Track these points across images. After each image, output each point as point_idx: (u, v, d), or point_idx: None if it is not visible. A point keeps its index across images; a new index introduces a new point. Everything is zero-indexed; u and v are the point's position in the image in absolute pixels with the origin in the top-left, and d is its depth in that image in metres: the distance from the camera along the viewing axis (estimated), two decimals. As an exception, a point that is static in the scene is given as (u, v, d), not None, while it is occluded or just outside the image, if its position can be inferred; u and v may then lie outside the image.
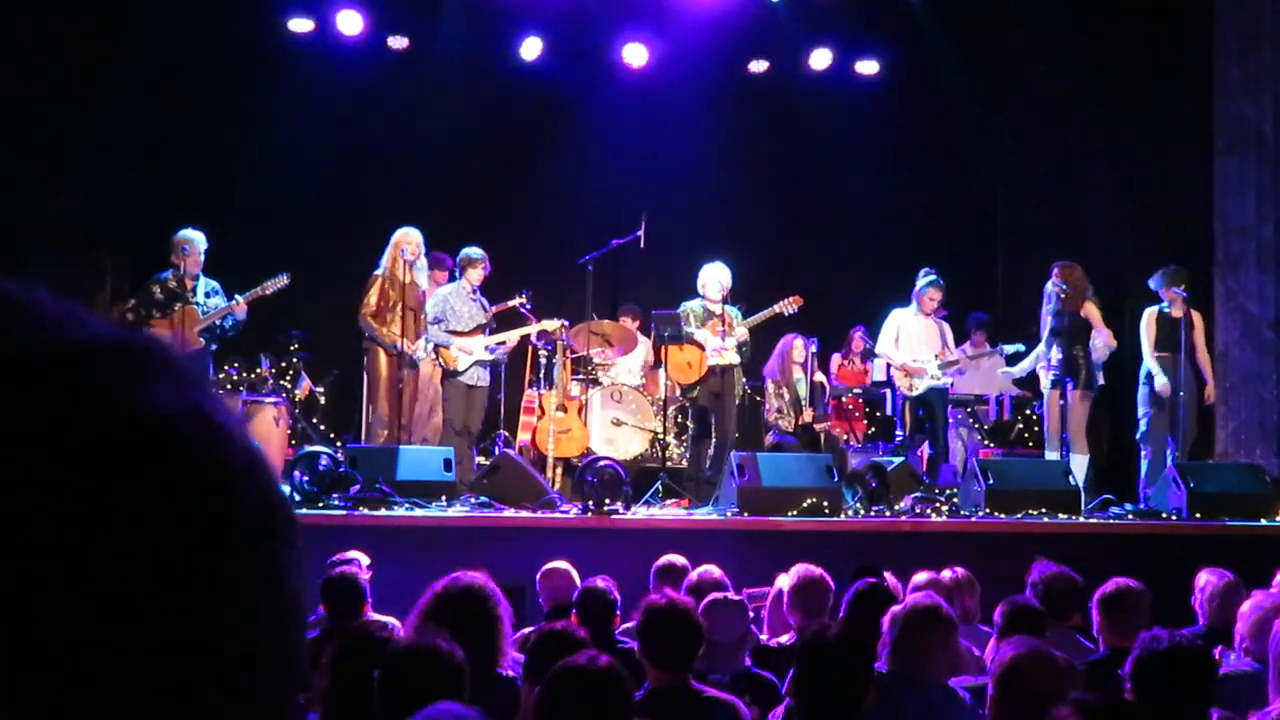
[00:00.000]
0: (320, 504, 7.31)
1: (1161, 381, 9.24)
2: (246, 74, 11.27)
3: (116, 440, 0.51)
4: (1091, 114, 11.62)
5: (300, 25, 11.31)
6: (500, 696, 3.62)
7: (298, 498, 7.39)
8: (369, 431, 9.14)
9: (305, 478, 7.47)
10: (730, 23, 11.81)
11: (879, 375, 10.81)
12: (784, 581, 5.29)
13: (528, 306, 9.27)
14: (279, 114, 11.08)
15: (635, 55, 11.87)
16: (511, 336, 9.20)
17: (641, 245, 9.80)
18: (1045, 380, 9.29)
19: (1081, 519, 8.05)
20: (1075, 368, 9.12)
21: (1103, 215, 11.26)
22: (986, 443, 10.74)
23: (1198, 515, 8.01)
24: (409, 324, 8.85)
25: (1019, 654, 3.36)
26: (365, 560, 5.78)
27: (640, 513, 7.85)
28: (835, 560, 5.68)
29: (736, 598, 4.95)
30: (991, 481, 8.11)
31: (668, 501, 8.42)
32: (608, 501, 7.63)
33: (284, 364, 9.77)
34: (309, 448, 8.08)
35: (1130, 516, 8.35)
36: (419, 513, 7.39)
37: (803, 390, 10.28)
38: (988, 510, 7.97)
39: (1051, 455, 9.25)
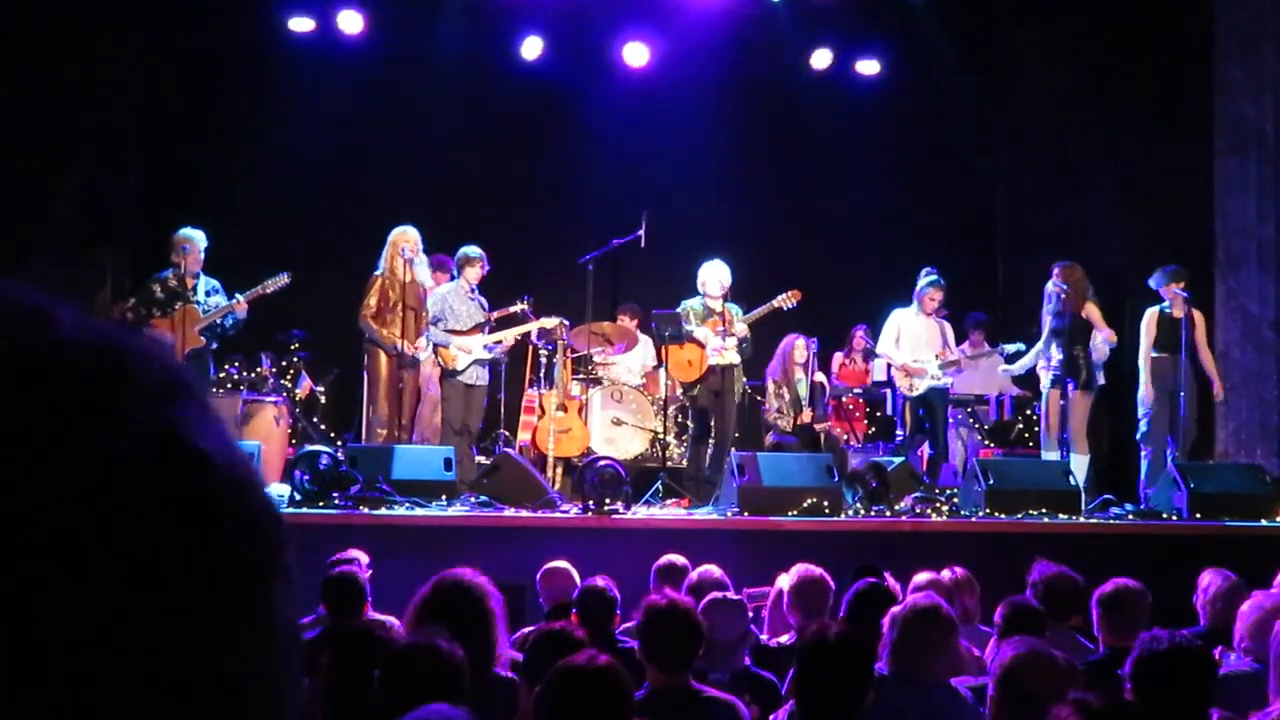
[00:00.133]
0: (320, 503, 7.31)
1: (1145, 388, 9.27)
2: (247, 73, 11.27)
3: (104, 443, 0.50)
4: (1092, 114, 11.61)
5: (301, 25, 11.31)
6: (496, 697, 3.61)
7: (298, 497, 7.39)
8: (369, 431, 9.14)
9: (305, 477, 7.47)
10: (731, 22, 11.81)
11: (880, 375, 10.81)
12: (784, 581, 5.29)
13: (530, 312, 9.26)
14: (279, 113, 11.08)
15: (636, 55, 11.86)
16: (508, 335, 9.20)
17: (642, 245, 9.80)
18: (1045, 380, 9.29)
19: (1082, 519, 8.05)
20: (1075, 368, 9.12)
21: (1103, 215, 11.26)
22: (987, 443, 10.74)
23: (1198, 515, 8.01)
24: (409, 323, 8.84)
25: (1019, 654, 3.36)
26: (365, 559, 5.79)
27: (640, 512, 7.85)
28: (835, 560, 5.69)
29: (736, 597, 4.95)
30: (992, 481, 8.11)
31: (668, 501, 8.42)
32: (608, 501, 7.63)
33: (285, 363, 9.77)
34: (309, 447, 8.08)
35: (1130, 517, 8.35)
36: (419, 512, 7.39)
37: (803, 390, 10.28)
38: (988, 510, 7.97)
39: (1048, 455, 9.24)
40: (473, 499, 7.75)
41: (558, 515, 7.62)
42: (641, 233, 9.75)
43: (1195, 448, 9.45)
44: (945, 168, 12.40)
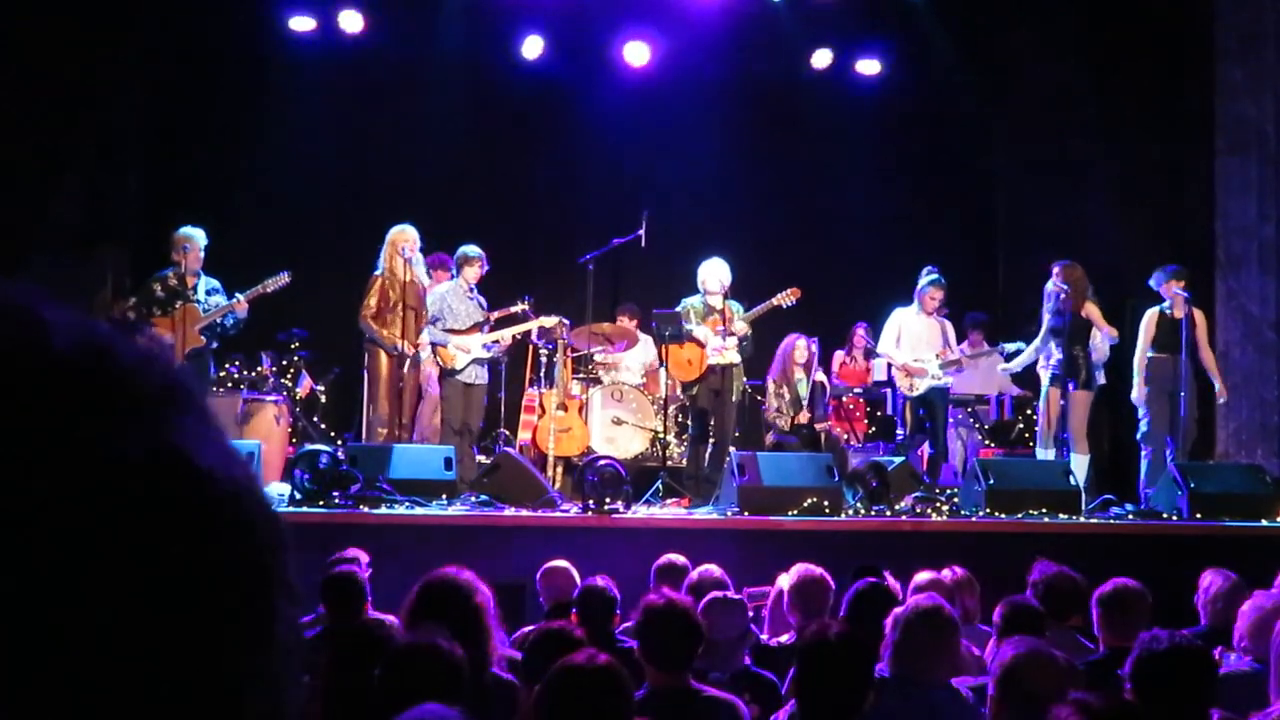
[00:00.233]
0: (320, 502, 7.31)
1: (1138, 388, 9.27)
2: (247, 72, 11.27)
3: (81, 486, 0.49)
4: (1092, 114, 11.61)
5: (301, 24, 11.30)
6: (492, 696, 3.61)
7: (298, 496, 7.39)
8: (369, 430, 9.14)
9: (306, 476, 7.46)
10: (732, 22, 11.81)
11: (880, 375, 10.81)
12: (784, 581, 5.29)
13: (530, 312, 9.26)
14: (280, 112, 11.08)
15: (636, 54, 11.86)
16: (506, 335, 9.20)
17: (642, 245, 9.81)
18: (1045, 379, 9.29)
19: (1082, 519, 8.05)
20: (1075, 367, 9.12)
21: (1103, 215, 11.26)
22: (987, 442, 10.74)
23: (1198, 515, 8.01)
24: (410, 323, 8.84)
25: (1019, 654, 3.36)
26: (365, 559, 5.78)
27: (640, 512, 7.85)
28: (835, 560, 5.69)
29: (736, 597, 4.95)
30: (992, 481, 8.11)
31: (668, 501, 8.42)
32: (608, 500, 7.62)
33: (285, 362, 9.77)
34: (310, 446, 8.08)
35: (1131, 517, 8.35)
36: (419, 511, 7.39)
37: (803, 390, 10.28)
38: (988, 510, 7.97)
39: (1043, 453, 9.23)
40: (473, 498, 7.75)
41: (558, 514, 7.62)
42: (642, 232, 9.75)
43: (1195, 448, 9.44)
44: (945, 167, 12.40)
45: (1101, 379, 9.53)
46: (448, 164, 11.43)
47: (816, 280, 10.45)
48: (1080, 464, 8.95)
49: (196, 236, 8.72)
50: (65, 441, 0.49)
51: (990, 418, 11.11)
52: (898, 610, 3.97)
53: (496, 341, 9.14)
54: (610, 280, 10.61)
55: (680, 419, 9.96)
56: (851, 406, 10.71)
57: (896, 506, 8.01)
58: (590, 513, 7.54)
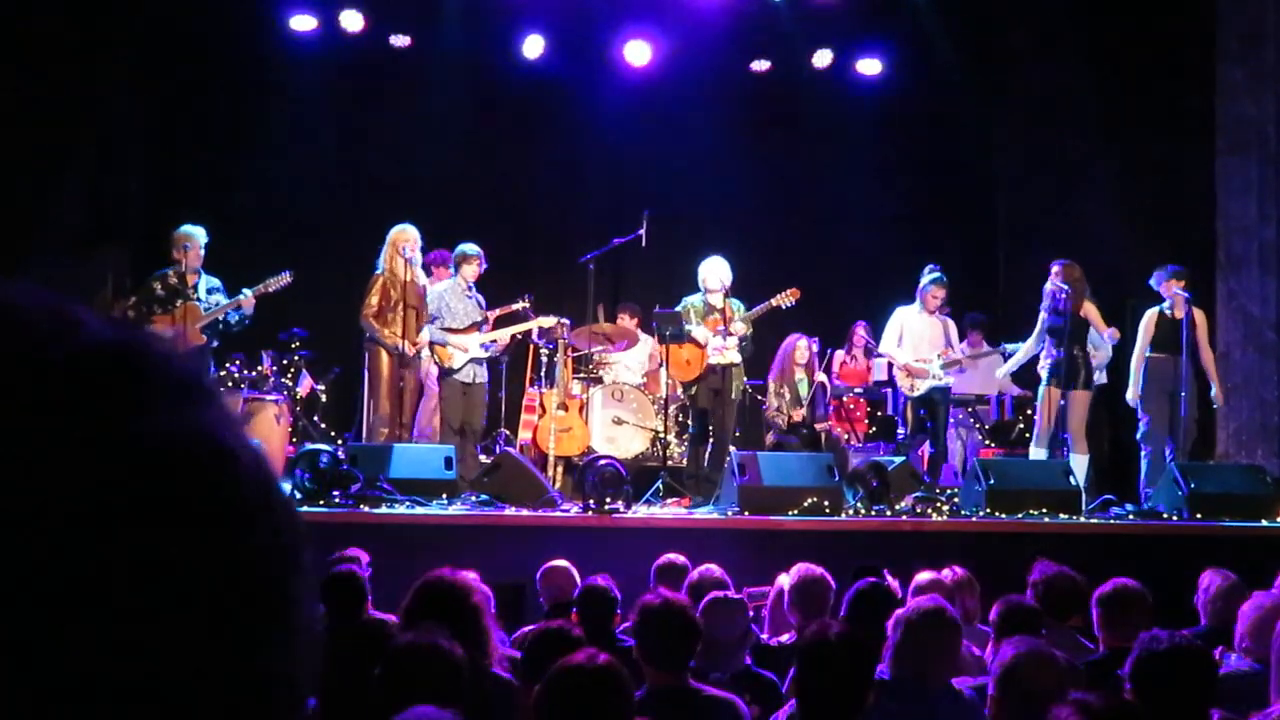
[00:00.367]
0: (321, 501, 7.31)
1: (1134, 388, 9.27)
2: (247, 72, 11.27)
3: (123, 435, 0.51)
4: (1093, 113, 11.61)
5: (302, 23, 11.30)
6: (491, 696, 3.61)
7: (298, 495, 7.39)
8: (370, 430, 9.14)
9: (306, 475, 7.46)
10: (733, 21, 11.81)
11: (881, 374, 10.81)
12: (785, 580, 5.29)
13: (529, 312, 9.26)
14: (281, 112, 11.09)
15: (637, 54, 11.86)
16: (504, 334, 9.20)
17: (643, 244, 9.81)
18: (1042, 379, 9.27)
19: (1082, 519, 8.04)
20: (1074, 367, 9.11)
21: (1104, 215, 11.25)
22: (987, 442, 10.74)
23: (1198, 516, 8.00)
24: (410, 323, 8.84)
25: (1019, 653, 3.36)
26: (365, 558, 5.78)
27: (641, 511, 7.85)
28: (835, 560, 5.69)
29: (737, 596, 4.95)
30: (992, 481, 8.11)
31: (668, 500, 8.42)
32: (608, 500, 7.63)
33: (285, 361, 9.77)
34: (310, 445, 8.08)
35: (1131, 517, 8.34)
36: (420, 511, 7.39)
37: (804, 390, 10.28)
38: (988, 510, 7.97)
39: (1038, 453, 9.21)
40: (473, 498, 7.75)
41: (558, 514, 7.62)
42: (642, 232, 9.75)
43: (1196, 448, 9.44)
44: (945, 167, 12.40)
45: (1103, 378, 9.53)
46: (448, 164, 11.43)
47: (816, 280, 10.46)
48: (1079, 464, 8.95)
49: (197, 235, 8.72)
50: (100, 428, 0.50)
51: (990, 418, 11.11)
52: (900, 612, 3.97)
53: (494, 341, 9.14)
54: (611, 280, 10.61)
55: (680, 419, 9.96)
56: (852, 406, 10.70)
57: (897, 506, 8.01)
58: (590, 512, 7.54)
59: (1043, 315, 9.30)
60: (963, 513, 8.10)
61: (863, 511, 7.92)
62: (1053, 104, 11.92)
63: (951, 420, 10.41)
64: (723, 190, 11.90)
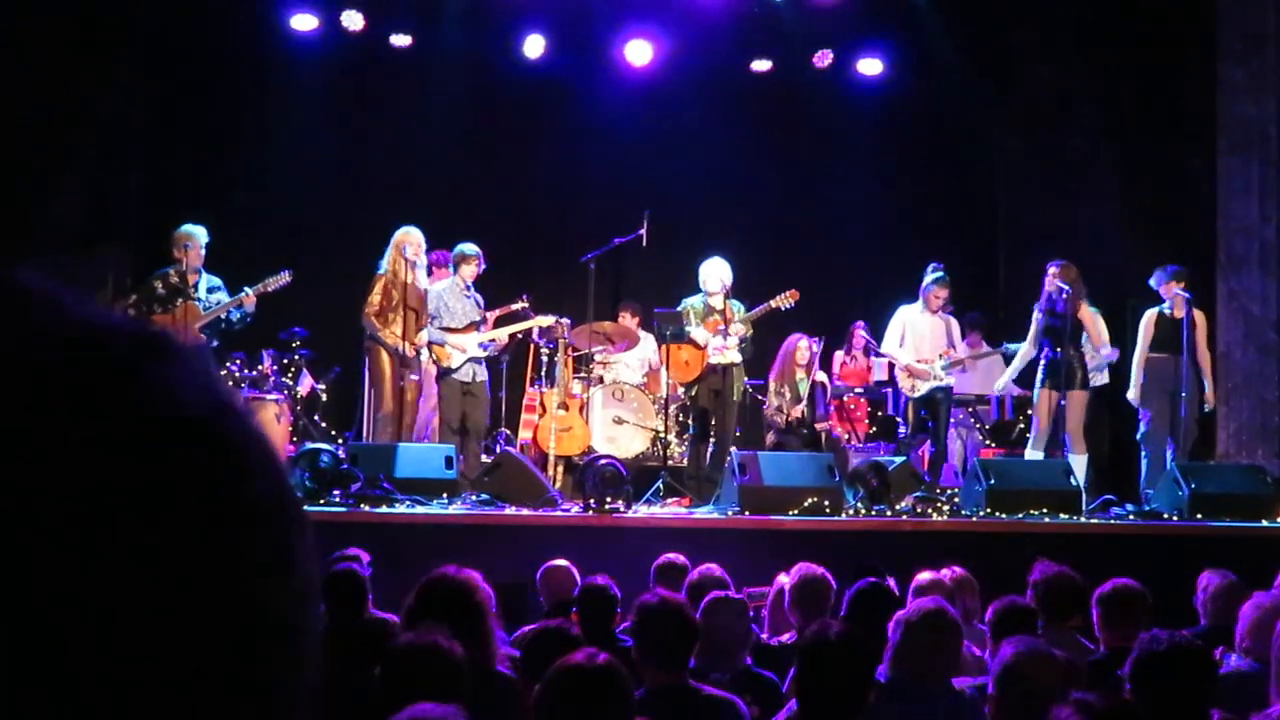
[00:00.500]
0: (321, 501, 7.31)
1: (1134, 388, 9.26)
2: (249, 71, 11.27)
3: (131, 426, 0.51)
4: (1094, 113, 11.61)
5: (303, 23, 11.30)
6: (495, 694, 3.61)
7: (299, 494, 7.38)
8: (370, 429, 9.14)
9: (306, 475, 7.46)
10: (733, 21, 11.81)
11: (881, 374, 10.81)
12: (785, 580, 5.29)
13: (529, 311, 9.26)
14: (281, 111, 11.09)
15: (638, 53, 11.86)
16: (502, 334, 9.20)
17: (644, 244, 9.80)
18: (1038, 379, 9.25)
19: (1082, 519, 8.04)
20: (1071, 368, 9.10)
21: (1105, 215, 11.26)
22: (987, 442, 10.73)
23: (1199, 516, 8.00)
24: (410, 324, 8.84)
25: (1019, 653, 3.36)
26: (366, 558, 5.78)
27: (641, 511, 7.85)
28: (836, 560, 5.69)
29: (737, 596, 4.95)
30: (993, 481, 8.10)
31: (669, 500, 8.41)
32: (609, 500, 7.62)
33: (286, 361, 9.77)
34: (310, 445, 8.08)
35: (1131, 517, 8.34)
36: (420, 510, 7.39)
37: (804, 390, 10.28)
38: (989, 510, 7.97)
39: (1033, 453, 9.19)
40: (474, 497, 7.75)
41: (559, 514, 7.62)
42: (643, 231, 9.75)
43: (1196, 448, 9.43)
44: (946, 167, 12.40)
45: (1104, 379, 9.52)
46: (448, 164, 11.43)
47: (816, 280, 10.46)
48: (1080, 464, 8.94)
49: (197, 234, 8.73)
50: (116, 414, 0.51)
51: (990, 418, 11.10)
52: (901, 613, 3.97)
53: (493, 340, 9.14)
54: (611, 279, 10.61)
55: (681, 418, 9.96)
56: (852, 406, 10.70)
57: (897, 506, 8.00)
58: (591, 512, 7.54)
59: (1037, 316, 9.28)
60: (963, 513, 8.10)
61: (863, 511, 7.92)
62: (1053, 104, 11.92)
63: (952, 420, 10.41)
64: (723, 190, 11.90)
